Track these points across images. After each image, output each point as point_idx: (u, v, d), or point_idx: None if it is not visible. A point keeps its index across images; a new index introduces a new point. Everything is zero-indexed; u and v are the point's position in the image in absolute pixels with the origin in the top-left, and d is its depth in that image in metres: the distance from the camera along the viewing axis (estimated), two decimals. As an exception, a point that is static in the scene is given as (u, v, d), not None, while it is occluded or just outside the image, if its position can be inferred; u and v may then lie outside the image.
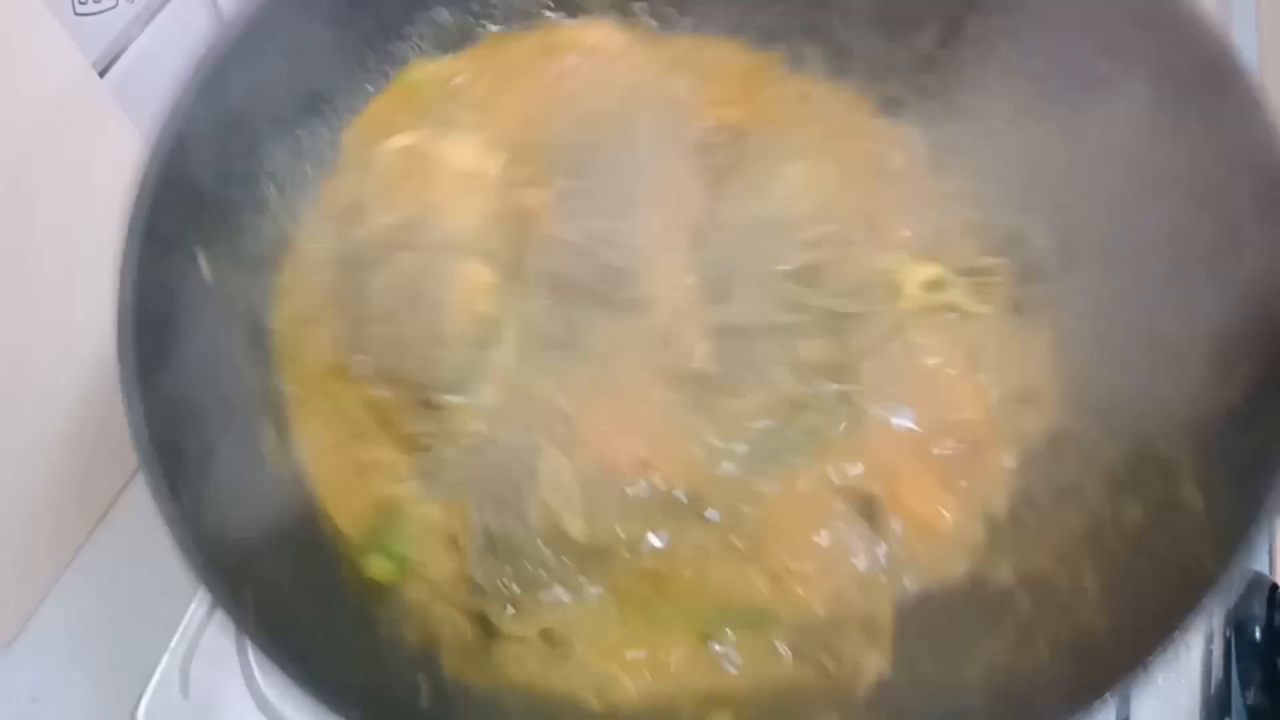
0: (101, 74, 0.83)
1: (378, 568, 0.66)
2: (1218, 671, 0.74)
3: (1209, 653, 0.75)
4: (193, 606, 0.75)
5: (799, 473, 0.68)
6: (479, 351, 0.70)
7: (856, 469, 0.68)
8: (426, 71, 0.83)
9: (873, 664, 0.64)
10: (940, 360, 0.71)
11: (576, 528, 0.64)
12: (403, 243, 0.71)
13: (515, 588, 0.65)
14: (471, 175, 0.74)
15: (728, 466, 0.67)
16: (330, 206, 0.77)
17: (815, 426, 0.69)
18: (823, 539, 0.66)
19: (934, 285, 0.73)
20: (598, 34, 0.83)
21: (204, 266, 0.63)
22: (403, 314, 0.70)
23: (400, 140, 0.76)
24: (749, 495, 0.67)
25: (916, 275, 0.73)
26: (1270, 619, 0.72)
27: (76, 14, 0.79)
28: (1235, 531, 0.56)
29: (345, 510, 0.68)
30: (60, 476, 0.82)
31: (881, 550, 0.66)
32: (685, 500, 0.66)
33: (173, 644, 0.75)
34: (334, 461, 0.70)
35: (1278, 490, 0.56)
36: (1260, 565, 0.80)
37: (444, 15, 0.83)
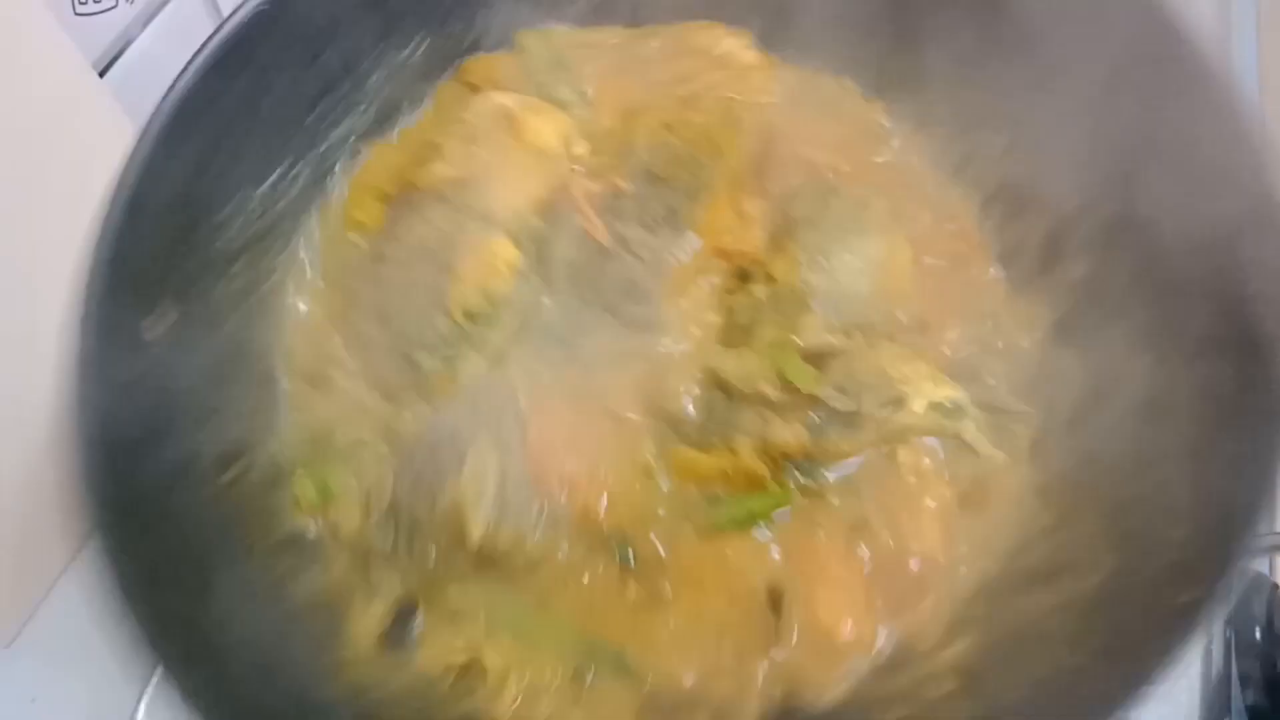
0: (101, 74, 0.83)
1: (301, 487, 0.68)
2: (1218, 671, 0.74)
3: (1209, 653, 0.75)
4: (193, 606, 0.75)
5: (729, 545, 0.67)
6: (473, 325, 0.71)
7: (784, 560, 0.66)
8: (545, 38, 0.84)
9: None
10: (921, 488, 0.67)
11: (476, 531, 0.64)
12: (448, 197, 0.73)
13: (405, 561, 0.66)
14: (547, 153, 0.75)
15: (662, 514, 0.67)
16: (392, 152, 0.79)
17: (760, 511, 0.67)
18: (721, 616, 0.65)
19: (948, 411, 0.68)
20: (732, 44, 0.82)
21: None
22: (417, 264, 0.72)
23: (499, 98, 0.77)
24: (671, 549, 0.66)
25: (929, 393, 0.68)
26: (1270, 619, 0.72)
27: (76, 14, 0.79)
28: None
29: (303, 422, 0.71)
30: (61, 476, 0.82)
31: (775, 650, 0.64)
32: (607, 533, 0.66)
33: (173, 644, 0.74)
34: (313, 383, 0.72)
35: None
36: (1260, 566, 0.80)
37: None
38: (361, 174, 0.80)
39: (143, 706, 0.73)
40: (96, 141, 0.77)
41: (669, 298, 0.74)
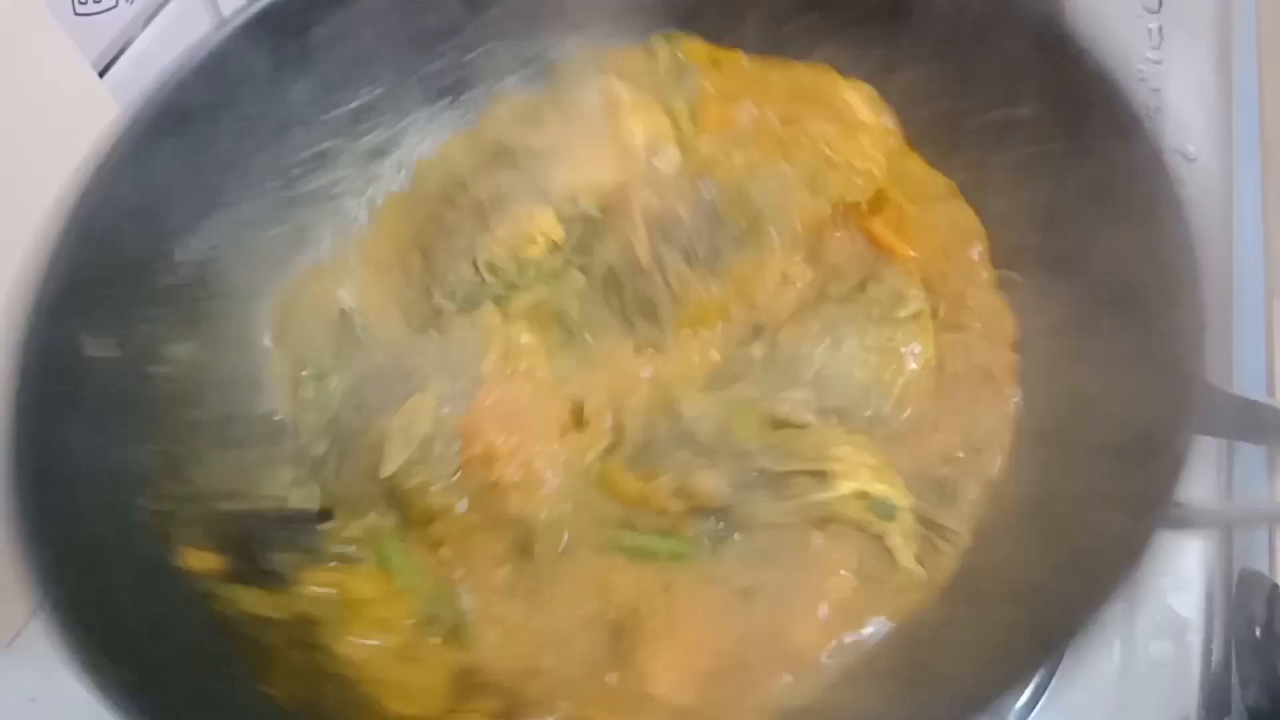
0: (101, 74, 0.83)
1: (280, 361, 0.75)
2: (1218, 671, 0.74)
3: (1209, 652, 0.75)
4: (193, 606, 0.75)
5: (617, 566, 0.67)
6: (493, 280, 0.75)
7: (655, 599, 0.66)
8: (677, 45, 0.84)
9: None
10: (823, 580, 0.65)
11: (387, 467, 0.66)
12: (519, 163, 0.77)
13: (329, 476, 0.70)
14: (630, 152, 0.77)
15: (570, 515, 0.68)
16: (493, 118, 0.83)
17: (658, 553, 0.67)
18: (569, 625, 0.66)
19: (877, 507, 0.66)
20: (854, 98, 0.80)
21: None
22: (468, 212, 0.76)
23: (617, 86, 0.79)
24: (559, 550, 0.67)
25: (863, 481, 0.66)
26: (1270, 619, 0.72)
27: (76, 14, 0.80)
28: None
29: (295, 320, 0.76)
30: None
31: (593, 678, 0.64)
32: (509, 514, 0.67)
33: (172, 644, 0.74)
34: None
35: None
36: (1260, 565, 0.80)
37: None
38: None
39: (143, 706, 0.73)
40: (95, 141, 0.77)
41: (681, 328, 0.75)
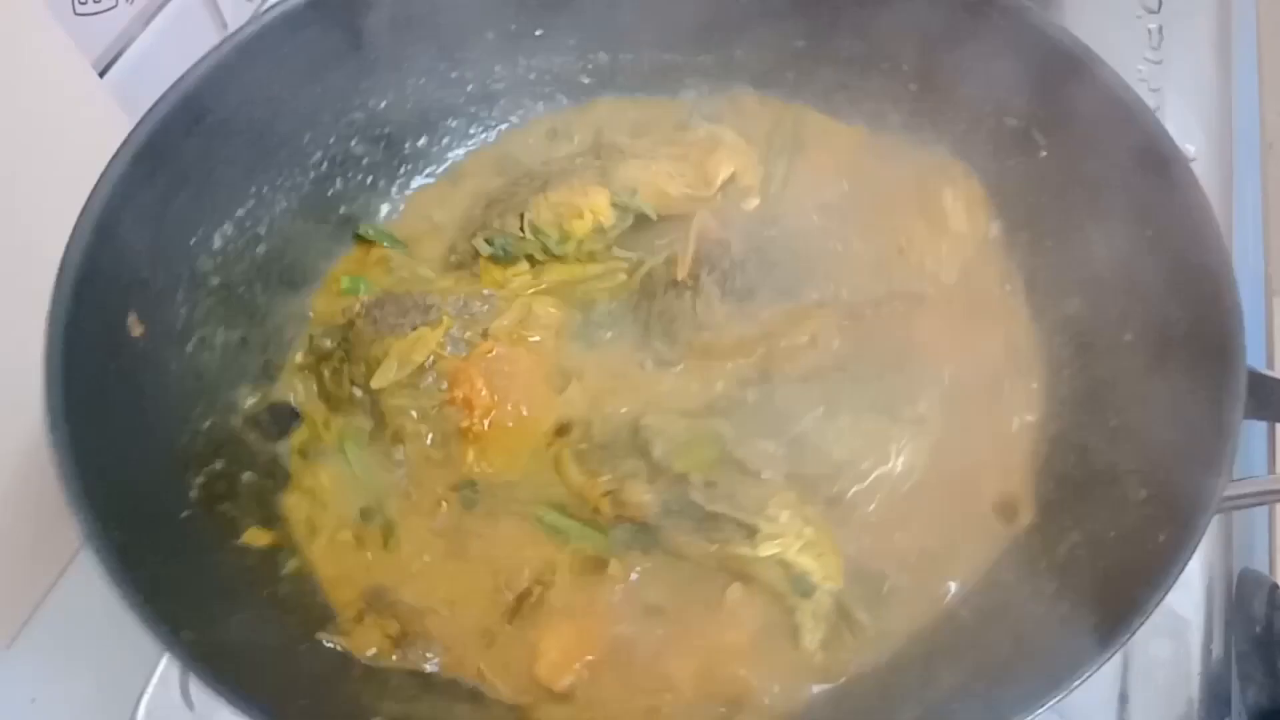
0: (101, 74, 0.83)
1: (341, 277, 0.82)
2: (1217, 671, 0.75)
3: (1209, 652, 0.75)
4: (193, 606, 0.76)
5: (543, 538, 0.70)
6: (533, 238, 0.79)
7: (566, 581, 0.68)
8: (793, 115, 0.87)
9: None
10: (723, 630, 0.66)
11: (378, 382, 0.73)
12: (602, 157, 0.81)
13: (327, 372, 0.77)
14: (708, 181, 0.81)
15: (516, 482, 0.72)
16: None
17: (574, 540, 0.70)
18: (486, 574, 0.70)
19: (794, 579, 0.66)
20: (954, 204, 0.80)
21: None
22: (535, 178, 0.81)
23: (722, 132, 0.83)
24: (497, 510, 0.72)
25: (785, 548, 0.66)
26: (1270, 619, 0.72)
27: (76, 14, 0.80)
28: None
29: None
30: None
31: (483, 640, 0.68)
32: (467, 460, 0.73)
33: (173, 644, 0.75)
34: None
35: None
36: (1260, 565, 0.80)
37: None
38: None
39: (143, 706, 0.73)
40: (96, 141, 0.77)
41: (694, 356, 0.76)
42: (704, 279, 0.76)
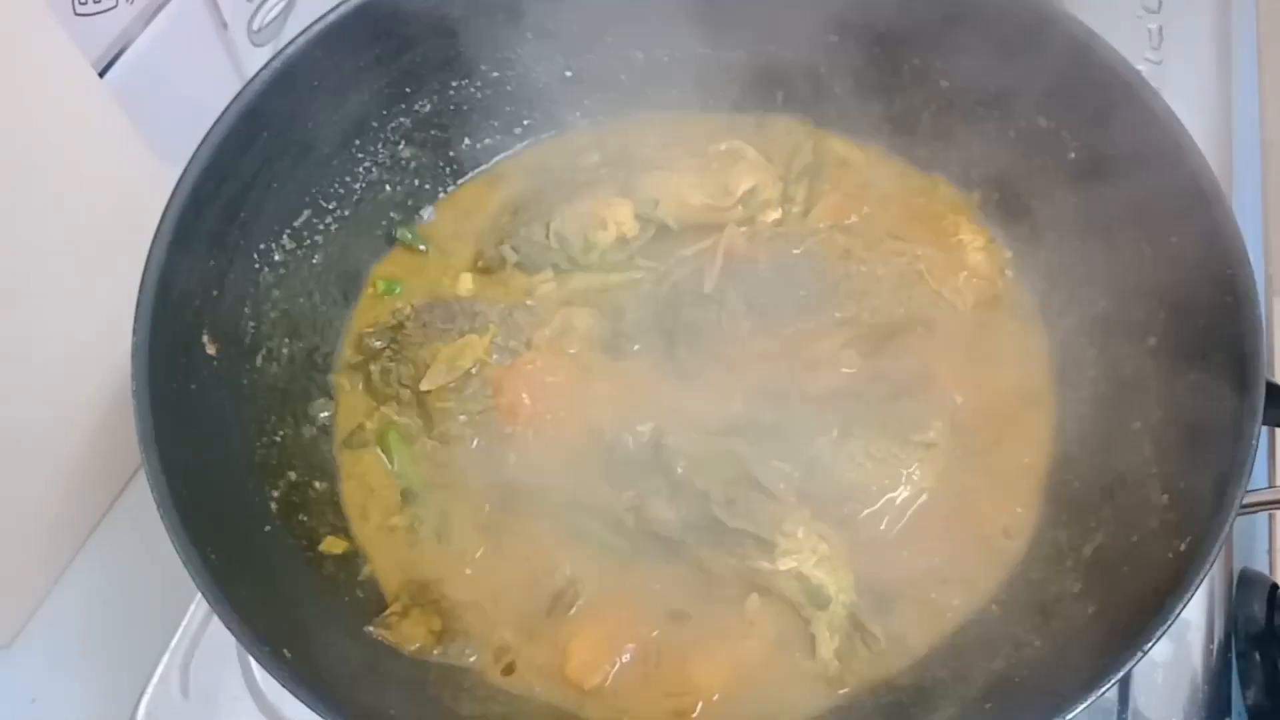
0: (101, 74, 0.83)
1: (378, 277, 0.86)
2: (1218, 671, 0.75)
3: (1209, 652, 0.75)
4: (192, 607, 0.76)
5: (564, 540, 0.73)
6: (559, 248, 0.81)
7: (597, 584, 0.71)
8: (816, 140, 0.88)
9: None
10: (743, 637, 0.68)
11: (427, 384, 0.76)
12: (624, 166, 0.83)
13: (376, 371, 0.79)
14: (728, 192, 0.82)
15: (545, 480, 0.74)
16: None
17: (592, 537, 0.72)
18: (523, 576, 0.72)
19: (810, 591, 0.67)
20: (970, 239, 0.82)
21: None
22: (561, 187, 0.84)
23: (741, 145, 0.85)
24: (525, 508, 0.74)
25: (802, 563, 0.68)
26: (1270, 619, 0.72)
27: (77, 14, 0.79)
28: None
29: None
30: (60, 479, 0.82)
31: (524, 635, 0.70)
32: (507, 460, 0.75)
33: (173, 644, 0.75)
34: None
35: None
36: (1260, 565, 0.80)
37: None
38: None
39: (143, 706, 0.73)
40: (95, 141, 0.77)
41: (718, 367, 0.77)
42: (730, 293, 0.77)
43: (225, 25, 0.96)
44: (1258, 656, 0.72)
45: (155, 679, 0.74)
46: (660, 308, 0.79)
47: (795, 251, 0.79)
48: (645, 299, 0.80)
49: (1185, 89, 1.02)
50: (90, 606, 0.84)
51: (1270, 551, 0.81)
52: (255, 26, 1.00)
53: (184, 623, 0.75)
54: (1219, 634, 0.76)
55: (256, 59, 1.01)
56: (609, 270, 0.82)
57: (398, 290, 0.84)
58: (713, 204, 0.82)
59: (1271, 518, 0.83)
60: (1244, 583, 0.76)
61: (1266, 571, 0.79)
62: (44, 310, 0.76)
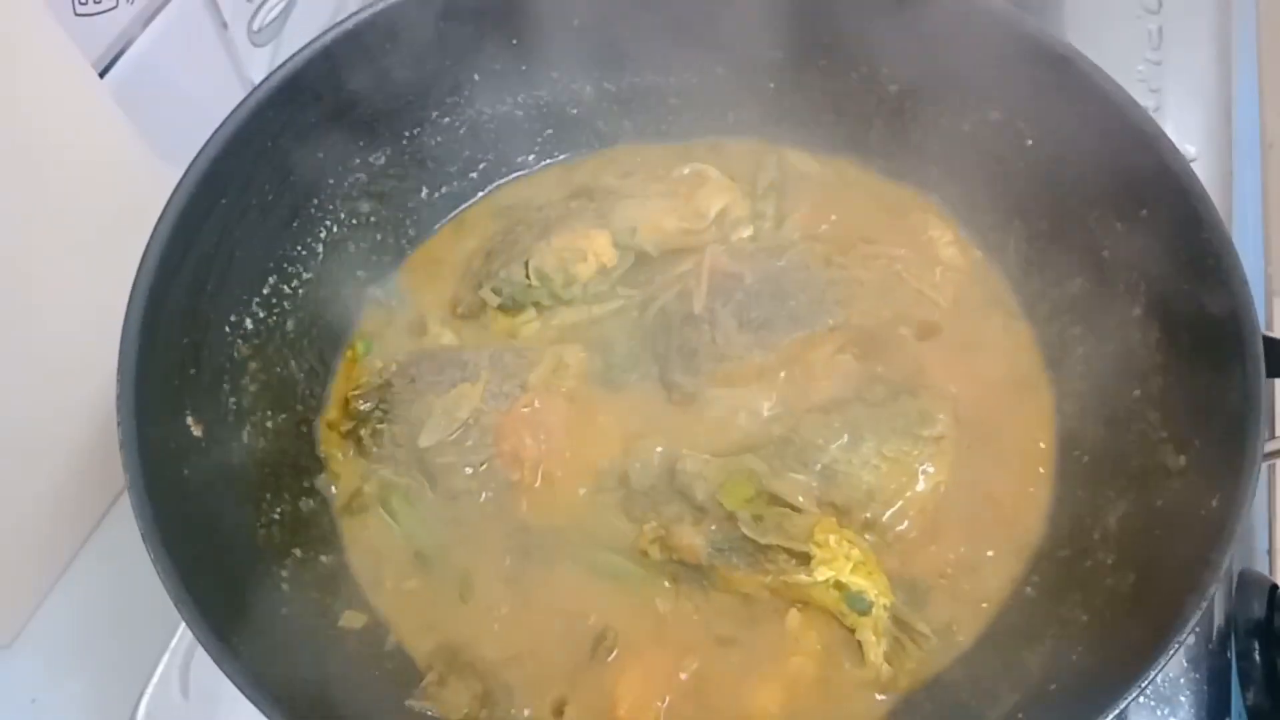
0: (102, 74, 0.83)
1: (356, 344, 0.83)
2: (1218, 671, 0.75)
3: (1208, 652, 0.75)
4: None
5: (606, 585, 0.72)
6: (540, 286, 0.80)
7: (632, 624, 0.70)
8: (777, 158, 0.89)
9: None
10: (789, 655, 0.68)
11: (425, 440, 0.74)
12: (596, 198, 0.83)
13: (366, 434, 0.77)
14: (699, 213, 0.82)
15: (561, 523, 0.74)
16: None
17: (628, 579, 0.71)
18: (549, 623, 0.71)
19: (851, 598, 0.68)
20: (940, 235, 0.83)
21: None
22: (534, 225, 0.83)
23: (705, 168, 0.86)
24: (545, 553, 0.73)
25: (838, 570, 0.68)
26: (1270, 619, 0.72)
27: (77, 14, 0.79)
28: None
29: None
30: (61, 479, 0.82)
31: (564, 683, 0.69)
32: (521, 513, 0.74)
33: (172, 644, 0.75)
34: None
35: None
36: (1260, 565, 0.80)
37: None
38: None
39: (143, 707, 0.73)
40: (96, 141, 0.77)
41: (717, 385, 0.77)
42: (719, 310, 0.77)
43: (225, 25, 0.96)
44: (1257, 656, 0.72)
45: (155, 679, 0.74)
46: (651, 334, 0.79)
47: (779, 264, 0.80)
48: (634, 327, 0.80)
49: (1185, 89, 1.03)
50: (90, 607, 0.84)
51: (1270, 552, 0.81)
52: (255, 27, 1.00)
53: (183, 624, 0.75)
54: (1219, 634, 0.76)
55: (257, 59, 1.01)
56: (592, 302, 0.82)
57: (373, 350, 0.82)
58: (688, 227, 0.82)
59: (1271, 518, 0.83)
60: (1243, 583, 0.76)
61: (1266, 572, 0.79)
62: (45, 311, 0.76)
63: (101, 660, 0.82)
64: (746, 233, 0.84)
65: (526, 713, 0.68)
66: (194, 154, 0.69)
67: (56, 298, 0.77)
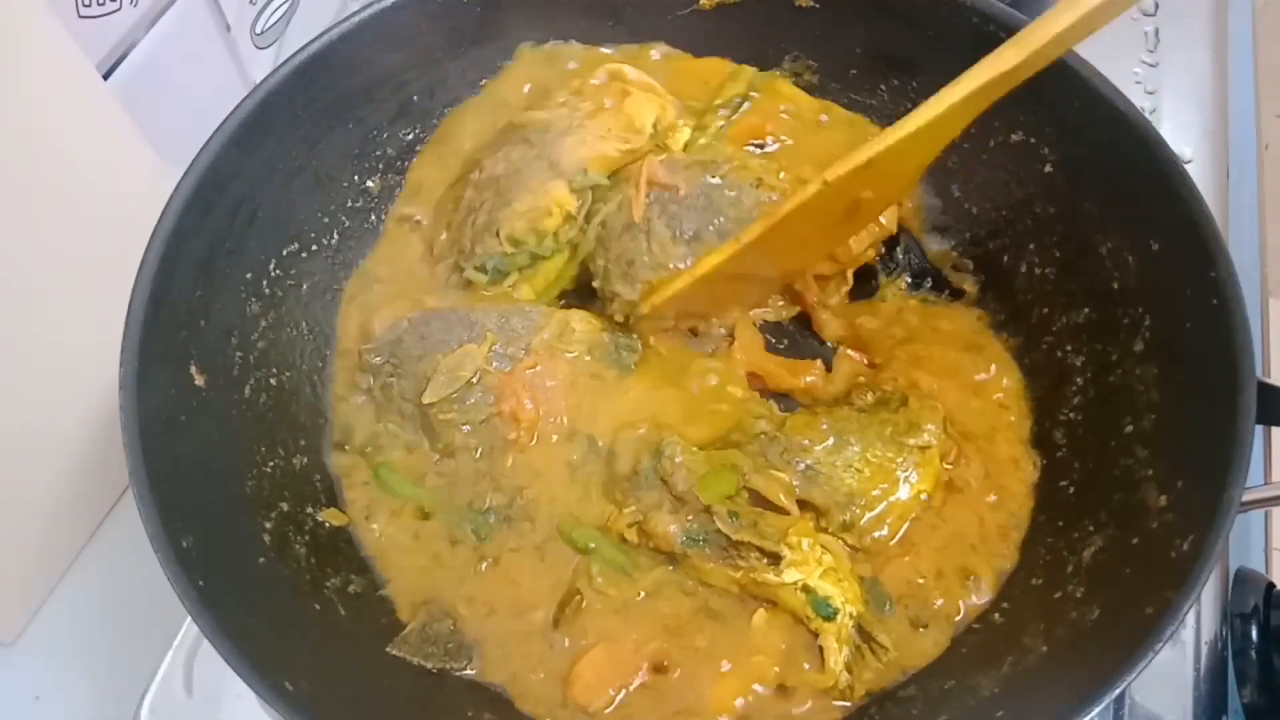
0: (105, 76, 0.83)
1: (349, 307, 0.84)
2: (1215, 670, 0.75)
3: (1205, 651, 0.75)
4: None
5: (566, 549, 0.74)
6: (517, 252, 0.81)
7: (598, 597, 0.71)
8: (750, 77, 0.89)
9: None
10: (752, 652, 0.69)
11: (429, 396, 0.75)
12: (532, 140, 0.82)
13: (377, 387, 0.79)
14: (636, 128, 0.82)
15: (543, 489, 0.75)
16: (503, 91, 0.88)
17: (588, 548, 0.73)
18: (529, 597, 0.73)
19: (817, 602, 0.68)
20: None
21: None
22: (487, 190, 0.82)
23: (621, 67, 0.85)
24: (535, 524, 0.75)
25: (807, 574, 0.68)
26: (1266, 618, 0.73)
27: (80, 16, 0.80)
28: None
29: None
30: (64, 477, 0.83)
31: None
32: (508, 471, 0.76)
33: (176, 641, 0.75)
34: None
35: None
36: (1256, 565, 0.80)
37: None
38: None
39: (146, 704, 0.73)
40: (99, 143, 0.78)
41: (649, 295, 0.78)
42: (654, 221, 0.78)
43: (229, 28, 0.96)
44: (1254, 655, 0.72)
45: (158, 677, 0.74)
46: (593, 248, 0.81)
47: (712, 180, 0.79)
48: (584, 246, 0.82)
49: (1181, 92, 1.03)
50: (93, 604, 0.85)
51: (1266, 551, 0.81)
52: (259, 29, 1.00)
53: (187, 620, 0.75)
54: (1215, 633, 0.76)
55: (260, 61, 1.01)
56: (566, 249, 0.82)
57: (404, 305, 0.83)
58: (630, 148, 0.82)
59: (1268, 517, 0.83)
60: (1240, 582, 0.77)
61: (1263, 570, 0.79)
62: (48, 311, 0.76)
63: (105, 658, 0.82)
64: (682, 138, 0.85)
65: (479, 671, 0.70)
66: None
67: (60, 300, 0.77)
